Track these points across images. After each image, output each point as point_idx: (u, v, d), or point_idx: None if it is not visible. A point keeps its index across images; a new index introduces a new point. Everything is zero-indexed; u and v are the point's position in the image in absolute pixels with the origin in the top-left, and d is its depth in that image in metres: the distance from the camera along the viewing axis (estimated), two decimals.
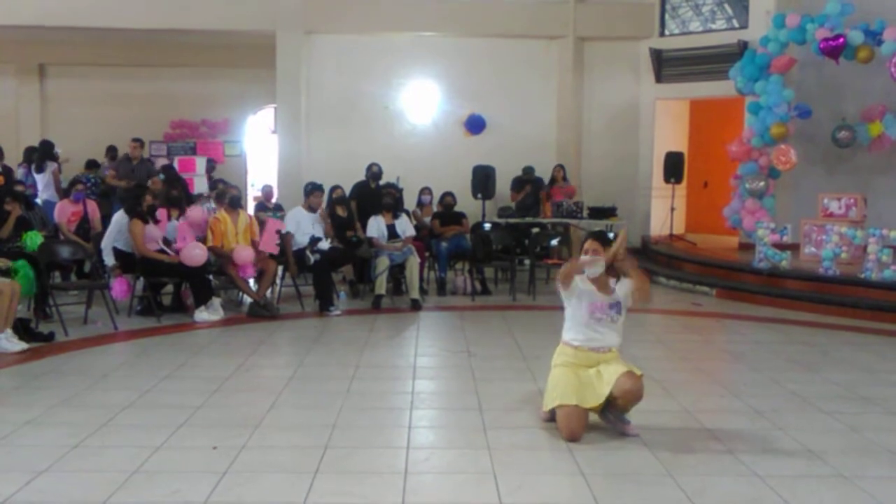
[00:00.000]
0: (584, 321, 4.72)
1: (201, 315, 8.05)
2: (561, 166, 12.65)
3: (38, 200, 10.99)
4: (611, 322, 4.73)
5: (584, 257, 4.74)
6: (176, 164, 13.63)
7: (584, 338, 4.73)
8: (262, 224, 9.13)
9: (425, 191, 11.33)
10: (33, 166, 11.68)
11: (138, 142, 11.86)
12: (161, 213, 8.49)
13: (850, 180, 11.50)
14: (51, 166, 11.58)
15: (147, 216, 8.26)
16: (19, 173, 11.78)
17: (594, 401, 4.62)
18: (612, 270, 4.77)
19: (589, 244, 4.77)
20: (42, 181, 11.51)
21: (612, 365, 4.67)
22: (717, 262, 11.12)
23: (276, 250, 8.89)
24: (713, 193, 13.80)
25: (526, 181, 12.26)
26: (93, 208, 9.81)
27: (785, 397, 5.59)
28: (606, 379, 4.59)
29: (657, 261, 12.16)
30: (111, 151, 13.14)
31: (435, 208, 11.05)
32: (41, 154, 11.69)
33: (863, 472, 4.16)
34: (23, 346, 6.54)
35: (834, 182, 11.55)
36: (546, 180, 12.56)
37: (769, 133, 11.18)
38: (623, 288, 4.77)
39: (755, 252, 10.29)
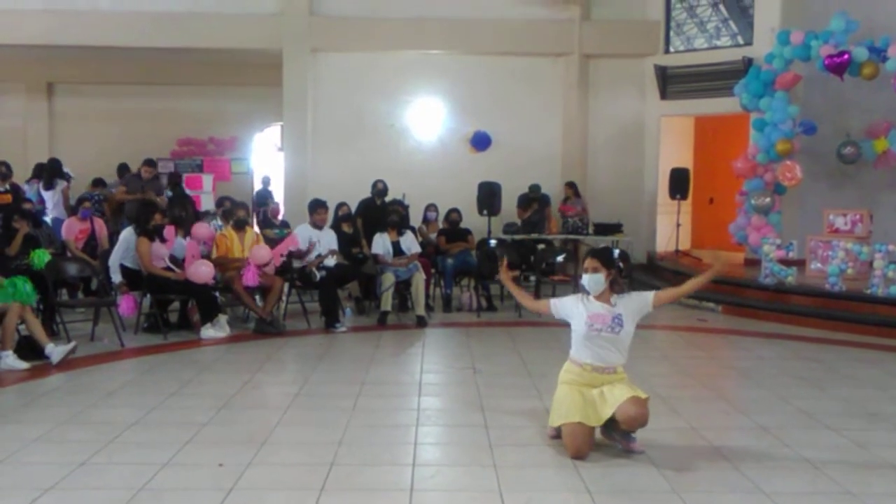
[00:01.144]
0: (584, 333, 4.68)
1: (207, 332, 8.07)
2: (571, 184, 12.67)
3: (48, 218, 11.03)
4: (611, 333, 4.66)
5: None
6: (183, 182, 13.68)
7: (589, 354, 4.68)
8: (274, 243, 9.21)
9: (431, 207, 11.36)
10: (41, 184, 11.74)
11: (152, 166, 11.35)
12: (168, 230, 8.53)
13: (855, 196, 11.50)
14: (60, 184, 11.62)
15: (154, 234, 8.30)
16: (34, 189, 11.83)
17: (596, 421, 4.60)
18: (614, 285, 4.79)
19: (589, 262, 4.77)
20: (51, 199, 11.55)
21: (616, 387, 4.62)
22: (722, 279, 11.04)
23: (279, 261, 8.95)
24: (719, 209, 13.78)
25: (532, 199, 12.29)
26: (100, 226, 9.84)
27: (791, 414, 5.58)
28: (610, 401, 4.55)
29: (663, 277, 12.14)
30: (122, 170, 13.18)
31: (440, 225, 11.08)
32: (50, 172, 11.74)
33: (870, 489, 4.14)
34: (25, 364, 6.56)
35: (839, 198, 11.54)
36: (552, 197, 12.59)
37: (774, 149, 11.19)
38: (630, 304, 4.76)
39: (761, 268, 10.27)
